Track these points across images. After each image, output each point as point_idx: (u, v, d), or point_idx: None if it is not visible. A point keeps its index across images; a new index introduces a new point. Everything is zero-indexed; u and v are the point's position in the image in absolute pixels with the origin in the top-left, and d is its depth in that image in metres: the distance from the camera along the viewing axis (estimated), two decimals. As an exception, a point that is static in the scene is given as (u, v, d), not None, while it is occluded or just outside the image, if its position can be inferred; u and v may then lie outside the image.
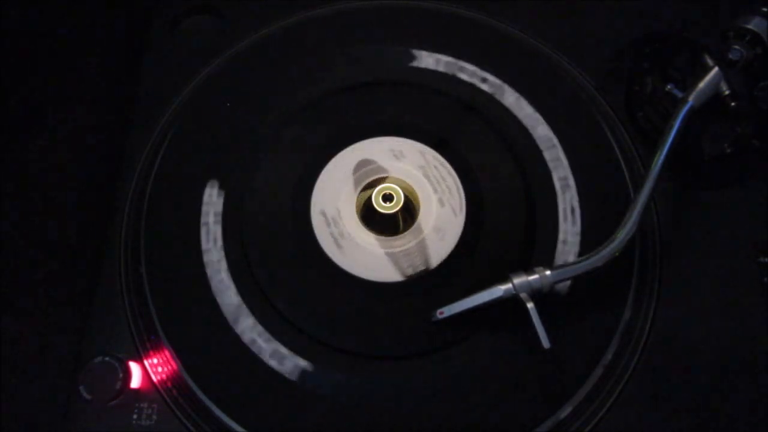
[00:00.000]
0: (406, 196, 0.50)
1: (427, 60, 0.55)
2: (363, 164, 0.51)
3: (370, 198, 0.49)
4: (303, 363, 0.45)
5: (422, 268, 0.48)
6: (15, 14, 0.48)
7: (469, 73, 0.55)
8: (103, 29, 0.56)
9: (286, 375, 0.45)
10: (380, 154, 0.52)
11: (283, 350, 0.46)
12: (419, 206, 0.50)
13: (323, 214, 0.50)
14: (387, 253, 0.49)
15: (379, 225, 0.50)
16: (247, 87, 0.54)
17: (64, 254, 0.49)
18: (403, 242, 0.49)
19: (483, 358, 0.45)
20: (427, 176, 0.51)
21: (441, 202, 0.50)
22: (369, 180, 0.51)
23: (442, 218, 0.49)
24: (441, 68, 0.55)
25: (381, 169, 0.51)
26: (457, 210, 0.49)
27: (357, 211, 0.50)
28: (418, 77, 0.55)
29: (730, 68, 0.48)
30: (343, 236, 0.49)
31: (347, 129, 0.53)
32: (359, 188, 0.51)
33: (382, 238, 0.49)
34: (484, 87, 0.54)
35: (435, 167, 0.51)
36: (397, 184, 0.50)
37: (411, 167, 0.51)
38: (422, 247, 0.49)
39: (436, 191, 0.50)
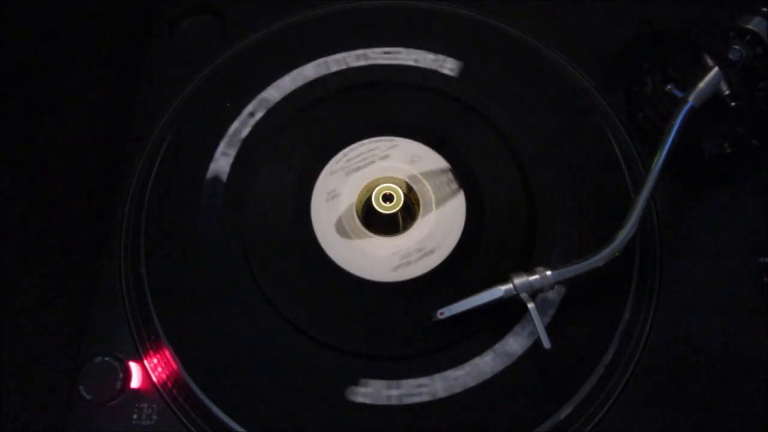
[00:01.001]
0: (406, 197, 0.50)
1: (427, 60, 0.55)
2: (363, 164, 0.51)
3: (370, 198, 0.49)
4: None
5: (449, 172, 0.48)
6: (15, 14, 0.48)
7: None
8: (103, 29, 0.56)
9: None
10: (395, 156, 0.52)
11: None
12: (419, 209, 0.50)
13: (324, 212, 0.50)
14: (375, 252, 0.48)
15: (379, 225, 0.50)
16: (247, 87, 0.54)
17: (64, 254, 0.49)
18: (394, 245, 0.49)
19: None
20: (433, 186, 0.51)
21: (440, 214, 0.49)
22: (376, 177, 0.51)
23: (438, 231, 0.49)
24: (441, 68, 0.55)
25: (391, 169, 0.51)
26: (455, 224, 0.49)
27: (357, 209, 0.50)
28: (417, 77, 0.55)
29: (730, 68, 0.48)
30: (344, 235, 0.49)
31: (348, 128, 0.53)
32: (364, 182, 0.51)
33: (375, 235, 0.49)
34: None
35: (443, 181, 0.51)
36: (401, 186, 0.50)
37: (420, 174, 0.51)
38: (410, 254, 0.48)
39: (438, 203, 0.50)
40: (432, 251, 0.48)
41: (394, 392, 0.45)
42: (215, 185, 0.51)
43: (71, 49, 0.53)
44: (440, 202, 0.50)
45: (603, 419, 0.45)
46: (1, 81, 0.47)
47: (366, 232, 0.50)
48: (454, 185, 0.49)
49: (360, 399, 0.45)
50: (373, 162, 0.51)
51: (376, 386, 0.45)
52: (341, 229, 0.49)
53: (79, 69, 0.53)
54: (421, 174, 0.51)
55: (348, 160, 0.52)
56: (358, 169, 0.51)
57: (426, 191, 0.51)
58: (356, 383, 0.45)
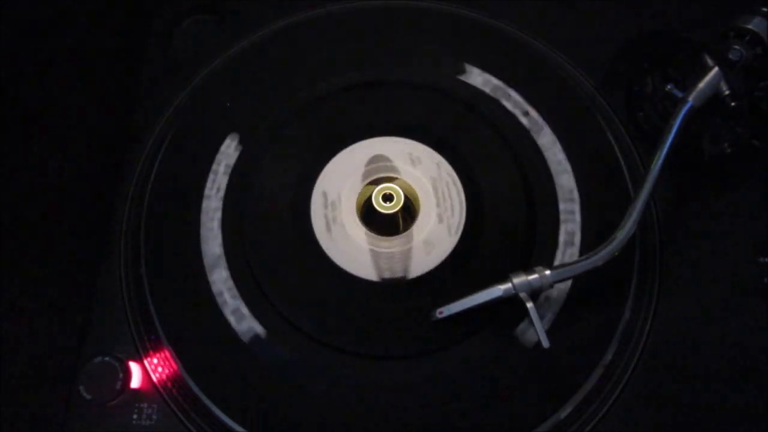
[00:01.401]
0: (406, 197, 0.50)
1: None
2: (377, 159, 0.51)
3: (370, 197, 0.49)
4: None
5: (400, 275, 0.48)
6: (14, 14, 0.48)
7: (468, 72, 0.55)
8: (103, 29, 0.56)
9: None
10: (397, 156, 0.52)
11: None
12: (419, 211, 0.50)
13: (324, 212, 0.50)
14: (371, 250, 0.48)
15: (379, 225, 0.50)
16: (247, 87, 0.54)
17: (64, 254, 0.49)
18: (390, 245, 0.49)
19: (483, 358, 0.45)
20: (435, 188, 0.50)
21: (440, 217, 0.49)
22: (378, 176, 0.51)
23: (436, 234, 0.49)
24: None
25: (393, 169, 0.51)
26: (453, 230, 0.49)
27: (357, 207, 0.50)
28: (416, 77, 0.55)
29: (730, 68, 0.48)
30: (344, 235, 0.49)
31: (348, 128, 0.53)
32: (366, 181, 0.51)
33: (372, 234, 0.49)
34: (484, 87, 0.54)
35: (446, 183, 0.50)
36: (402, 187, 0.50)
37: (423, 176, 0.51)
38: (406, 256, 0.48)
39: (438, 206, 0.50)
40: (432, 251, 0.48)
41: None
42: (215, 185, 0.51)
43: (71, 49, 0.53)
44: (439, 217, 0.49)
45: (603, 419, 0.45)
46: (0, 80, 0.47)
47: (366, 231, 0.49)
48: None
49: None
50: (387, 160, 0.51)
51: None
52: (341, 229, 0.49)
53: (78, 69, 0.53)
54: (431, 186, 0.50)
55: (364, 153, 0.52)
56: (371, 163, 0.51)
57: (429, 203, 0.50)
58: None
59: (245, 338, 0.46)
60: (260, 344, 0.46)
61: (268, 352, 0.46)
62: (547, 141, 0.52)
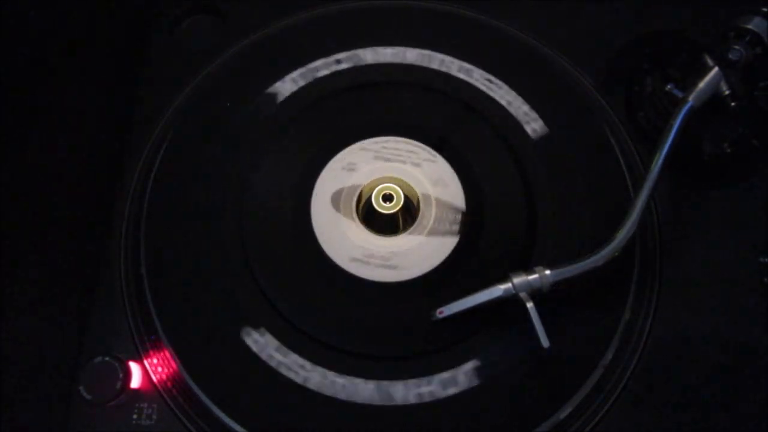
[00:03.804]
0: (406, 197, 0.50)
1: (426, 59, 0.55)
2: (377, 159, 0.52)
3: (370, 198, 0.49)
4: (304, 363, 0.45)
5: (390, 277, 0.48)
6: (14, 14, 0.48)
7: (468, 72, 0.55)
8: (103, 29, 0.56)
9: (287, 375, 0.45)
10: (398, 156, 0.52)
11: (285, 350, 0.46)
12: (419, 211, 0.50)
13: (325, 212, 0.50)
14: (364, 248, 0.48)
15: (379, 224, 0.50)
16: (247, 87, 0.54)
17: (65, 254, 0.49)
18: (385, 245, 0.49)
19: (483, 357, 0.45)
20: (436, 189, 0.50)
21: (438, 224, 0.49)
22: (379, 176, 0.51)
23: (431, 240, 0.49)
24: (440, 68, 0.55)
25: (394, 169, 0.51)
26: (453, 230, 0.49)
27: (356, 206, 0.50)
28: (416, 76, 0.55)
29: (730, 68, 0.48)
30: (344, 235, 0.49)
31: (348, 128, 0.53)
32: (366, 180, 0.51)
33: (371, 233, 0.49)
34: (484, 87, 0.54)
35: (447, 183, 0.50)
36: (402, 187, 0.50)
37: (423, 176, 0.51)
38: (399, 257, 0.48)
39: (438, 206, 0.50)
40: (431, 251, 0.48)
41: (394, 392, 0.45)
42: (215, 185, 0.51)
43: (71, 49, 0.53)
44: (432, 233, 0.49)
45: (603, 419, 0.45)
46: (0, 80, 0.47)
47: (368, 232, 0.49)
48: (456, 228, 0.49)
49: (359, 400, 0.45)
50: (374, 163, 0.51)
51: (375, 386, 0.45)
52: (341, 229, 0.49)
53: (78, 68, 0.53)
54: (435, 198, 0.50)
55: (347, 161, 0.52)
56: (358, 170, 0.51)
57: (429, 215, 0.50)
58: (356, 383, 0.45)
59: (245, 338, 0.46)
60: (260, 344, 0.46)
61: (268, 351, 0.46)
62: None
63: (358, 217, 0.50)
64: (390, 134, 0.52)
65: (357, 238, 0.49)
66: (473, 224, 0.49)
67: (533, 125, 0.52)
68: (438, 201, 0.50)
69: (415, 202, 0.51)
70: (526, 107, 0.53)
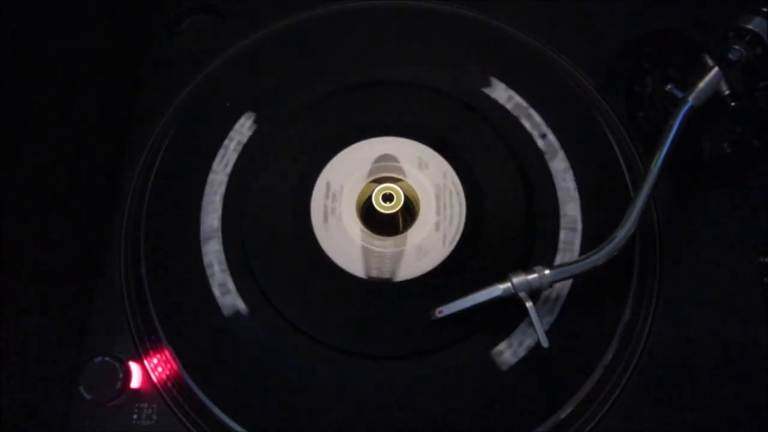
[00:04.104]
0: (406, 198, 0.50)
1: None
2: (384, 159, 0.52)
3: (370, 198, 0.49)
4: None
5: (387, 276, 0.48)
6: (14, 14, 0.48)
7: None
8: (103, 29, 0.56)
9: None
10: (403, 157, 0.52)
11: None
12: (419, 212, 0.50)
13: (325, 212, 0.50)
14: (363, 246, 0.48)
15: (378, 224, 0.50)
16: (247, 87, 0.54)
17: (64, 254, 0.49)
18: (383, 245, 0.49)
19: (483, 357, 0.45)
20: (437, 197, 0.50)
21: (437, 226, 0.49)
22: (381, 175, 0.51)
23: (430, 241, 0.49)
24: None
25: (398, 169, 0.51)
26: (448, 241, 0.49)
27: (357, 203, 0.50)
28: (417, 77, 0.55)
29: (730, 68, 0.48)
30: (344, 235, 0.49)
31: (349, 128, 0.53)
32: (369, 179, 0.51)
33: (368, 232, 0.49)
34: (484, 87, 0.54)
35: (450, 192, 0.50)
36: (404, 188, 0.50)
37: (424, 177, 0.51)
38: (397, 258, 0.48)
39: (438, 214, 0.50)
40: (431, 251, 0.48)
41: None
42: (215, 185, 0.51)
43: (71, 49, 0.53)
44: (437, 226, 0.49)
45: (603, 419, 0.45)
46: (0, 80, 0.47)
47: (366, 232, 0.49)
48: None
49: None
50: (396, 160, 0.51)
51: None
52: (342, 230, 0.49)
53: (78, 69, 0.53)
54: (433, 193, 0.50)
55: (373, 151, 0.52)
56: (365, 166, 0.51)
57: (430, 209, 0.50)
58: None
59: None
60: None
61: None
62: (547, 141, 0.52)
63: (359, 217, 0.50)
64: (394, 135, 0.52)
65: (358, 239, 0.49)
66: (474, 224, 0.49)
67: (533, 125, 0.52)
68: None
69: (416, 203, 0.51)
70: (525, 107, 0.53)
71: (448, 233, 0.49)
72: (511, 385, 0.45)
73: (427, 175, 0.51)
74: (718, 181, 0.51)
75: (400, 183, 0.50)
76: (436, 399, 0.45)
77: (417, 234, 0.49)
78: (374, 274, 0.48)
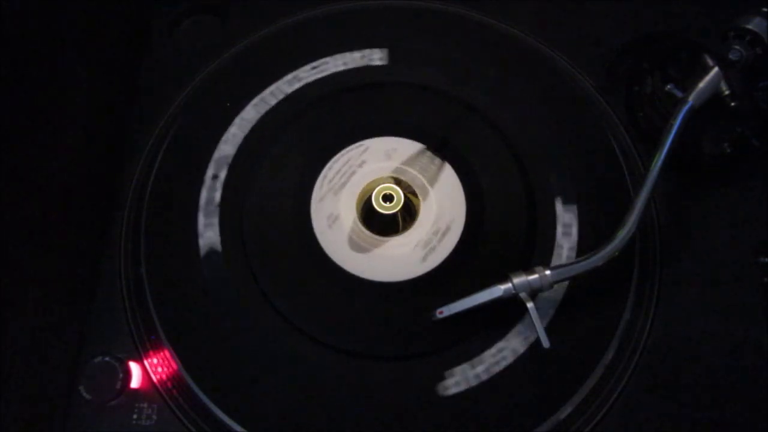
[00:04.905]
0: (406, 198, 0.50)
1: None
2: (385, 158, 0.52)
3: (370, 198, 0.50)
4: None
5: (391, 277, 0.48)
6: (14, 14, 0.48)
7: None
8: (103, 29, 0.56)
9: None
10: (398, 156, 0.52)
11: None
12: (419, 212, 0.50)
13: (325, 212, 0.50)
14: (367, 249, 0.48)
15: (379, 224, 0.50)
16: (247, 87, 0.54)
17: (64, 254, 0.49)
18: (387, 246, 0.49)
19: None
20: (436, 190, 0.50)
21: (440, 217, 0.49)
22: (380, 176, 0.51)
23: (437, 234, 0.49)
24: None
25: (395, 169, 0.51)
26: (454, 230, 0.49)
27: (357, 206, 0.50)
28: (417, 77, 0.55)
29: (730, 68, 0.48)
30: (344, 235, 0.49)
31: (349, 128, 0.53)
32: (367, 180, 0.51)
33: (369, 233, 0.49)
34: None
35: (447, 184, 0.50)
36: (403, 187, 0.50)
37: (424, 177, 0.51)
38: (403, 256, 0.49)
39: (438, 206, 0.50)
40: (431, 251, 0.48)
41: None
42: (215, 185, 0.51)
43: (71, 49, 0.53)
44: (432, 181, 0.49)
45: (603, 419, 0.45)
46: (0, 81, 0.47)
47: (366, 232, 0.49)
48: (437, 160, 0.48)
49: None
50: (353, 169, 0.51)
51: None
52: (342, 230, 0.49)
53: (78, 69, 0.53)
54: (402, 164, 0.50)
55: (349, 160, 0.52)
56: (360, 169, 0.51)
57: (414, 177, 0.50)
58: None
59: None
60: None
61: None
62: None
63: (359, 217, 0.50)
64: (392, 135, 0.52)
65: (358, 239, 0.49)
66: (473, 225, 0.49)
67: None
68: (406, 162, 0.50)
69: (416, 205, 0.51)
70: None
71: (452, 223, 0.49)
72: (511, 385, 0.45)
73: (422, 171, 0.51)
74: (718, 181, 0.51)
75: (397, 182, 0.50)
76: (435, 399, 0.44)
77: (417, 234, 0.49)
78: (378, 274, 0.48)
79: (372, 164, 0.51)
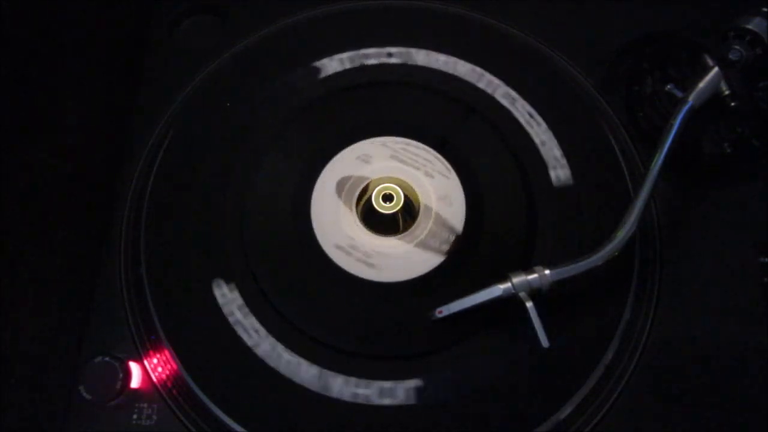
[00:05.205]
0: (406, 197, 0.50)
1: (427, 60, 0.55)
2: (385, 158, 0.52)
3: (370, 199, 0.50)
4: (305, 364, 0.45)
5: (453, 237, 0.48)
6: (14, 14, 0.48)
7: (469, 72, 0.55)
8: (103, 29, 0.56)
9: (286, 375, 0.45)
10: (398, 156, 0.52)
11: (284, 350, 0.46)
12: (419, 211, 0.50)
13: (325, 212, 0.50)
14: (417, 244, 0.48)
15: (379, 225, 0.50)
16: (247, 87, 0.54)
17: (64, 254, 0.49)
18: (388, 245, 0.49)
19: (482, 357, 0.45)
20: (436, 189, 0.50)
21: (440, 217, 0.49)
22: (379, 176, 0.51)
23: (436, 234, 0.49)
24: (440, 68, 0.55)
25: (394, 169, 0.51)
26: (454, 230, 0.49)
27: (357, 206, 0.50)
28: (417, 77, 0.55)
29: (730, 68, 0.48)
30: (344, 235, 0.49)
31: (349, 128, 0.53)
32: (366, 181, 0.51)
33: (370, 233, 0.49)
34: (484, 87, 0.54)
35: (447, 184, 0.50)
36: (402, 186, 0.50)
37: (423, 176, 0.51)
38: (440, 221, 0.48)
39: (438, 206, 0.50)
40: (431, 251, 0.48)
41: (396, 393, 0.45)
42: (215, 185, 0.51)
43: (70, 50, 0.53)
44: (428, 174, 0.49)
45: (603, 419, 0.45)
46: (0, 81, 0.47)
47: (366, 231, 0.49)
48: (445, 247, 0.49)
49: (359, 400, 0.45)
50: (353, 169, 0.51)
51: (375, 386, 0.45)
52: (344, 231, 0.49)
53: (78, 69, 0.53)
54: (435, 212, 0.50)
55: (349, 160, 0.52)
56: (360, 169, 0.51)
57: (411, 174, 0.51)
58: (357, 383, 0.45)
59: (246, 338, 0.46)
60: (260, 344, 0.46)
61: (269, 352, 0.46)
62: (547, 141, 0.52)
63: (359, 217, 0.50)
64: (392, 134, 0.52)
65: (359, 239, 0.49)
66: (473, 224, 0.49)
67: (533, 125, 0.52)
68: (437, 216, 0.50)
69: (416, 207, 0.51)
70: (525, 107, 0.53)
71: (451, 223, 0.49)
72: (511, 385, 0.45)
73: (422, 170, 0.51)
74: (718, 181, 0.51)
75: (397, 181, 0.50)
76: (435, 399, 0.44)
77: (417, 233, 0.49)
78: (446, 247, 0.48)
79: (372, 164, 0.51)
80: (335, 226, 0.49)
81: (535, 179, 0.50)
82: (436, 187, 0.51)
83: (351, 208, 0.50)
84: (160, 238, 0.50)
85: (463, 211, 0.50)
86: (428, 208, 0.50)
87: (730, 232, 0.49)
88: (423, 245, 0.49)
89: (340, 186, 0.51)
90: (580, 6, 0.58)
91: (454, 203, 0.50)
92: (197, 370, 0.46)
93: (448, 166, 0.51)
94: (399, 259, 0.48)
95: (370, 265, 0.48)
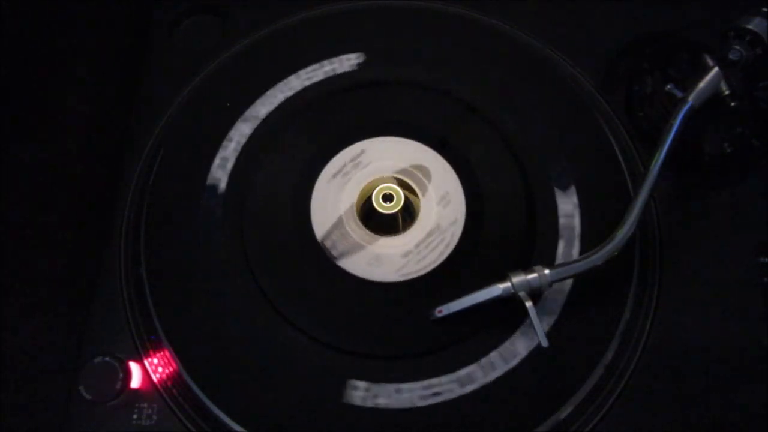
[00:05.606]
0: (406, 198, 0.50)
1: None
2: (360, 164, 0.51)
3: (370, 198, 0.50)
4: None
5: (453, 237, 0.48)
6: (14, 14, 0.48)
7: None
8: (103, 29, 0.56)
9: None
10: (399, 156, 0.52)
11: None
12: (419, 211, 0.50)
13: (325, 212, 0.50)
14: (417, 244, 0.48)
15: (379, 225, 0.50)
16: (247, 87, 0.54)
17: (64, 254, 0.49)
18: (388, 245, 0.49)
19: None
20: (435, 189, 0.50)
21: (440, 217, 0.49)
22: (379, 175, 0.51)
23: (437, 233, 0.49)
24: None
25: (400, 170, 0.51)
26: (453, 229, 0.49)
27: (357, 206, 0.50)
28: (417, 77, 0.55)
29: (730, 68, 0.48)
30: (345, 235, 0.49)
31: (349, 128, 0.53)
32: (367, 180, 0.51)
33: (371, 234, 0.49)
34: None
35: (447, 184, 0.50)
36: (402, 186, 0.50)
37: (423, 176, 0.51)
38: (439, 221, 0.49)
39: (438, 206, 0.50)
40: (431, 251, 0.48)
41: (395, 393, 0.45)
42: (215, 185, 0.51)
43: (71, 50, 0.53)
44: (421, 245, 0.49)
45: (603, 419, 0.45)
46: (1, 81, 0.47)
47: (366, 232, 0.50)
48: (445, 247, 0.49)
49: (359, 401, 0.45)
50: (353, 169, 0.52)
51: (375, 387, 0.45)
52: (341, 229, 0.49)
53: (78, 69, 0.53)
54: (435, 212, 0.50)
55: (348, 159, 0.52)
56: (360, 169, 0.51)
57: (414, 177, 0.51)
58: (356, 383, 0.45)
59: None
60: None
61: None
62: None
63: (359, 217, 0.50)
64: (391, 135, 0.52)
65: (359, 239, 0.49)
66: (473, 224, 0.49)
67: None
68: (437, 216, 0.50)
69: (416, 207, 0.51)
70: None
71: (451, 222, 0.49)
72: (511, 385, 0.45)
73: (422, 170, 0.51)
74: (718, 181, 0.51)
75: (397, 182, 0.50)
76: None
77: (416, 233, 0.49)
78: (377, 274, 0.48)
79: (372, 164, 0.51)
80: (335, 226, 0.49)
81: (535, 179, 0.50)
82: (436, 187, 0.51)
83: (351, 209, 0.50)
84: (160, 237, 0.50)
85: (463, 211, 0.50)
86: (428, 208, 0.50)
87: (730, 232, 0.49)
88: (423, 245, 0.49)
89: (340, 186, 0.51)
90: (580, 6, 0.58)
91: (454, 203, 0.50)
92: (197, 370, 0.46)
93: (448, 166, 0.51)
94: (399, 259, 0.48)
95: (370, 265, 0.48)
